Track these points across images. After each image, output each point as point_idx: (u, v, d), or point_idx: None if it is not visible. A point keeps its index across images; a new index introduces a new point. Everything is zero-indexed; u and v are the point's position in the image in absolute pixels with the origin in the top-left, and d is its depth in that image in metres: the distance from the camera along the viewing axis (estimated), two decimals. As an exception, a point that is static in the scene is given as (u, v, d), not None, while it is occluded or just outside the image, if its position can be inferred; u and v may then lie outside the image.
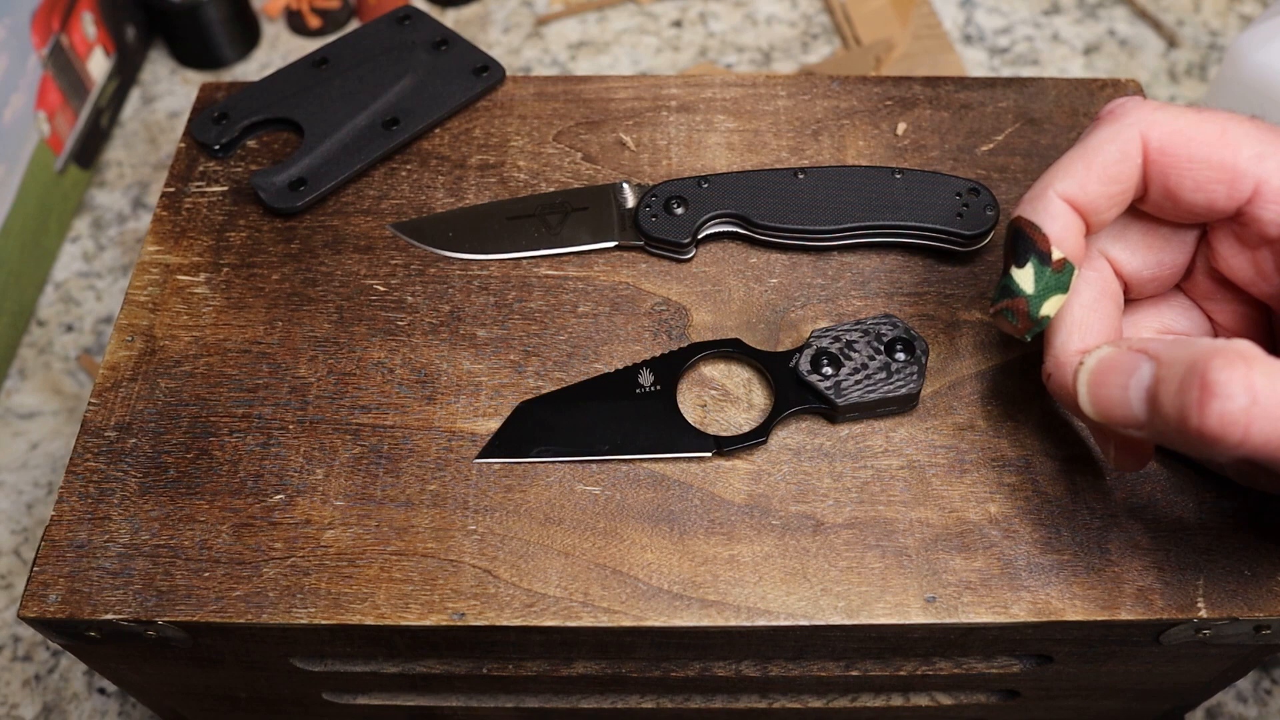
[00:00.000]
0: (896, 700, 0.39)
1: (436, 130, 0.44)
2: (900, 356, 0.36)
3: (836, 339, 0.36)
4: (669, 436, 0.36)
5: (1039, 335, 0.32)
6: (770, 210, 0.40)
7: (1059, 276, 0.30)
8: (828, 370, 0.36)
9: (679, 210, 0.40)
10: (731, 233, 0.41)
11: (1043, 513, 0.34)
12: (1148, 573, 0.33)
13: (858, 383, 0.35)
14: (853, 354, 0.36)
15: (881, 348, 0.36)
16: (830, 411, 0.36)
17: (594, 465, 0.35)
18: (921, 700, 0.39)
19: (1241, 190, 0.29)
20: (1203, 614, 0.32)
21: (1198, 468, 0.35)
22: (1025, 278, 0.31)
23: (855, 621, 0.32)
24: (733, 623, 0.32)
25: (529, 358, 0.38)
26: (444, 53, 0.46)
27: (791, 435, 0.36)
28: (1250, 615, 0.32)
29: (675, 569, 0.33)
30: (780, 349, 0.38)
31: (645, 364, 0.37)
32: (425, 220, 0.41)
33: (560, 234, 0.41)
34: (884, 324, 0.36)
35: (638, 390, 0.36)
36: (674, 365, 0.37)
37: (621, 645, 0.34)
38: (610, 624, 0.32)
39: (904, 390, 0.35)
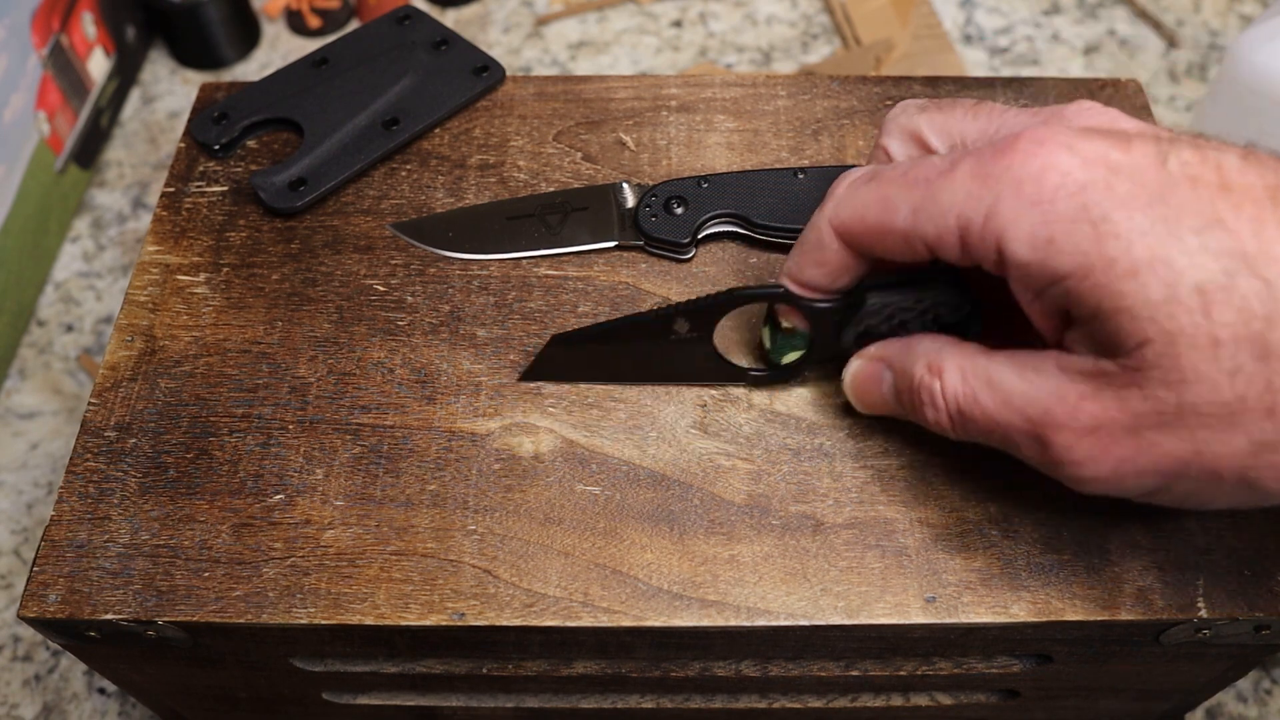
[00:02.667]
0: (896, 700, 0.39)
1: (436, 130, 0.44)
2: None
3: (891, 316, 0.34)
4: (705, 371, 0.37)
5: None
6: (770, 210, 0.40)
7: (791, 338, 0.35)
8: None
9: (679, 210, 0.40)
10: (731, 233, 0.41)
11: (1043, 513, 0.34)
12: (1148, 573, 0.33)
13: None
14: (903, 334, 0.34)
15: (937, 330, 0.34)
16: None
17: (594, 465, 0.35)
18: (921, 700, 0.39)
19: (919, 249, 0.30)
20: (1203, 614, 0.32)
21: None
22: (765, 336, 0.36)
23: (855, 621, 0.32)
24: (733, 623, 0.32)
25: (529, 358, 0.38)
26: (444, 53, 0.46)
27: (792, 435, 0.36)
28: (1250, 615, 0.32)
29: (675, 569, 0.33)
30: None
31: (680, 311, 0.35)
32: (425, 220, 0.41)
33: (560, 234, 0.41)
34: (945, 305, 0.34)
35: (673, 337, 0.36)
36: (711, 314, 0.35)
37: (621, 645, 0.34)
38: (610, 624, 0.32)
39: None
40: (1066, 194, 0.27)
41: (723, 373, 0.37)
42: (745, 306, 0.36)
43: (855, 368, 0.34)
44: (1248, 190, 0.26)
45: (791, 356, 0.36)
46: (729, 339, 0.38)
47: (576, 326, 0.38)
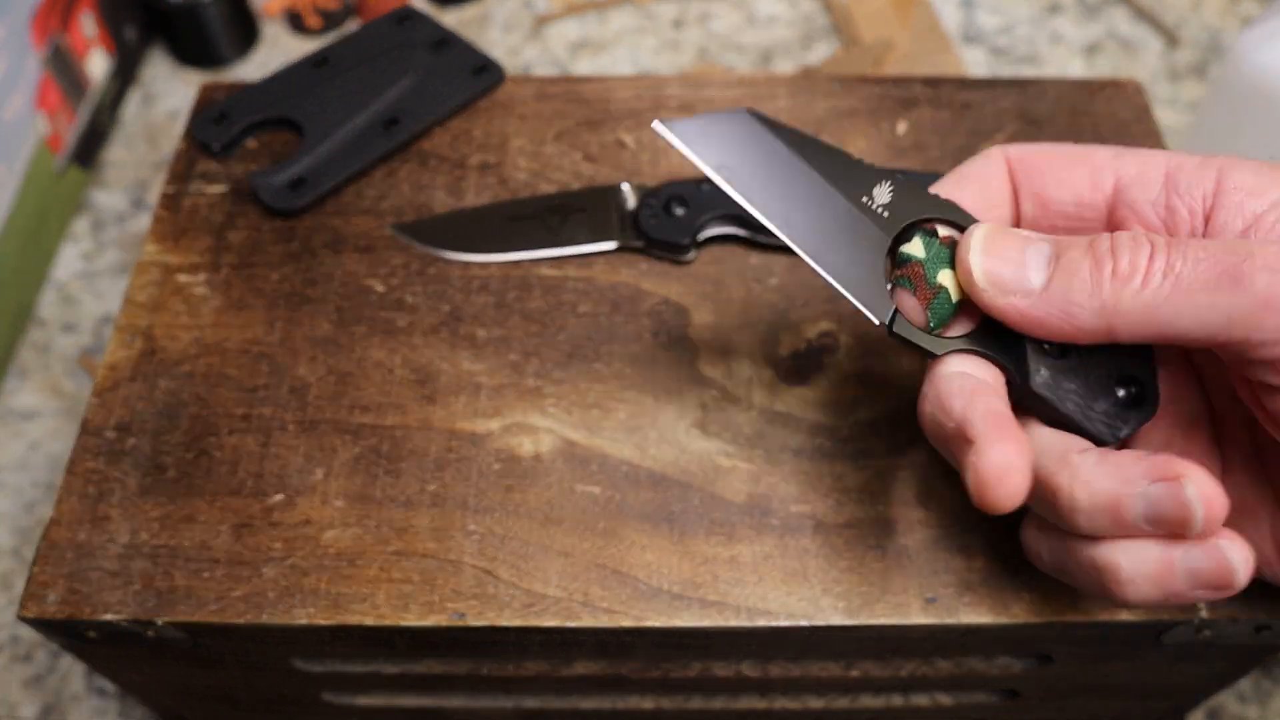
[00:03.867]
0: (896, 700, 0.39)
1: (436, 130, 0.44)
2: (1120, 394, 0.28)
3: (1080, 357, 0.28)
4: (857, 275, 0.29)
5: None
6: None
7: (946, 250, 0.29)
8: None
9: (679, 211, 0.40)
10: (732, 234, 0.41)
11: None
12: (1148, 573, 0.33)
13: (1067, 390, 0.28)
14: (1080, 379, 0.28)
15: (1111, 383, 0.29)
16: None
17: (594, 465, 0.35)
18: (921, 700, 0.39)
19: (1104, 181, 0.29)
20: (1203, 614, 0.32)
21: None
22: (914, 246, 0.29)
23: (855, 622, 0.32)
24: (733, 623, 0.32)
25: (529, 358, 0.38)
26: (444, 53, 0.46)
27: (792, 435, 0.36)
28: (1250, 615, 0.32)
29: (675, 569, 0.33)
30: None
31: (893, 178, 0.30)
32: (425, 221, 0.41)
33: (560, 235, 0.41)
34: (1133, 356, 0.28)
35: (864, 200, 0.30)
36: (921, 201, 0.30)
37: (621, 645, 0.34)
38: (610, 624, 0.32)
39: (1094, 430, 0.28)
40: None
41: (873, 295, 0.29)
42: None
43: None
44: None
45: (946, 274, 0.29)
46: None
47: (576, 326, 0.38)
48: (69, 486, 0.35)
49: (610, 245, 0.40)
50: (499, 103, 0.45)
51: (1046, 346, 0.28)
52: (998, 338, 0.29)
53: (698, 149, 0.30)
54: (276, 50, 0.70)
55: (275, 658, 0.35)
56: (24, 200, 0.56)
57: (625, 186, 0.42)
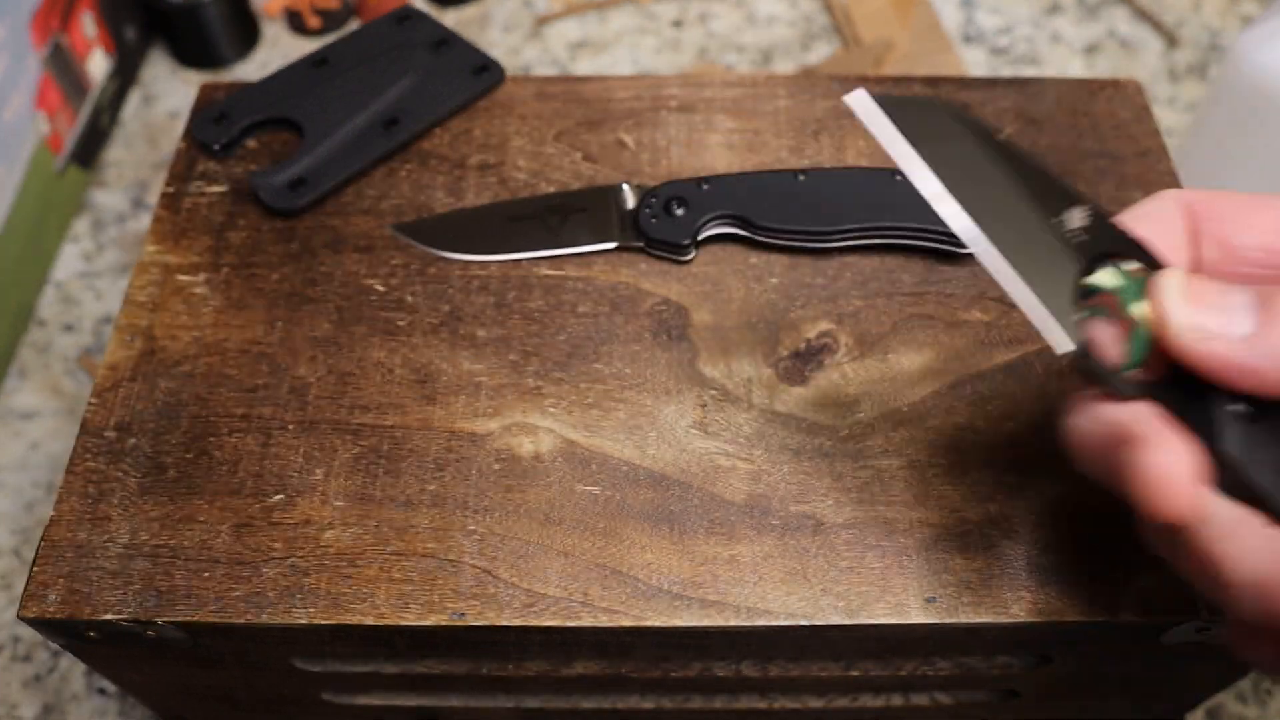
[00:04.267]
0: (896, 700, 0.39)
1: (436, 130, 0.44)
2: None
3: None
4: (1048, 297, 0.27)
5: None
6: (770, 212, 0.40)
7: (1138, 283, 0.27)
8: None
9: (679, 211, 0.40)
10: (732, 234, 0.41)
11: (1043, 513, 0.34)
12: (1148, 573, 0.33)
13: None
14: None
15: None
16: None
17: (594, 465, 0.35)
18: (921, 700, 0.39)
19: None
20: (1203, 614, 0.32)
21: None
22: (1107, 277, 0.27)
23: (855, 621, 0.32)
24: (733, 623, 0.32)
25: (529, 358, 0.38)
26: (444, 53, 0.46)
27: (792, 435, 0.36)
28: (1250, 615, 0.32)
29: (675, 569, 0.33)
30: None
31: (1091, 207, 0.27)
32: (425, 221, 0.41)
33: (560, 235, 0.41)
34: None
35: (1055, 221, 0.27)
36: (1109, 239, 0.27)
37: (621, 645, 0.34)
38: (610, 624, 0.32)
39: None
40: None
41: (1062, 322, 0.27)
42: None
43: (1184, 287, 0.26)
44: None
45: (1141, 306, 0.26)
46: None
47: (576, 326, 0.38)
48: (69, 486, 0.35)
49: (610, 245, 0.40)
50: (499, 103, 0.45)
51: (1241, 409, 0.25)
52: (1184, 392, 0.26)
53: (908, 136, 0.28)
54: (276, 50, 0.70)
55: (275, 658, 0.35)
56: (24, 200, 0.56)
57: (625, 186, 0.42)
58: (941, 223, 0.28)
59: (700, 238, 0.40)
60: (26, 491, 0.53)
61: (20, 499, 0.53)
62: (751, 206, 0.40)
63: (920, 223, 0.39)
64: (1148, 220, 0.28)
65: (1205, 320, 0.25)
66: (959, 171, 0.28)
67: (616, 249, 0.40)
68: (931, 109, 0.29)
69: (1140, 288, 0.27)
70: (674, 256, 0.40)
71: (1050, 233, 0.27)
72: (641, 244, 0.40)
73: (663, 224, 0.40)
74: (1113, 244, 0.27)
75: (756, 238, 0.40)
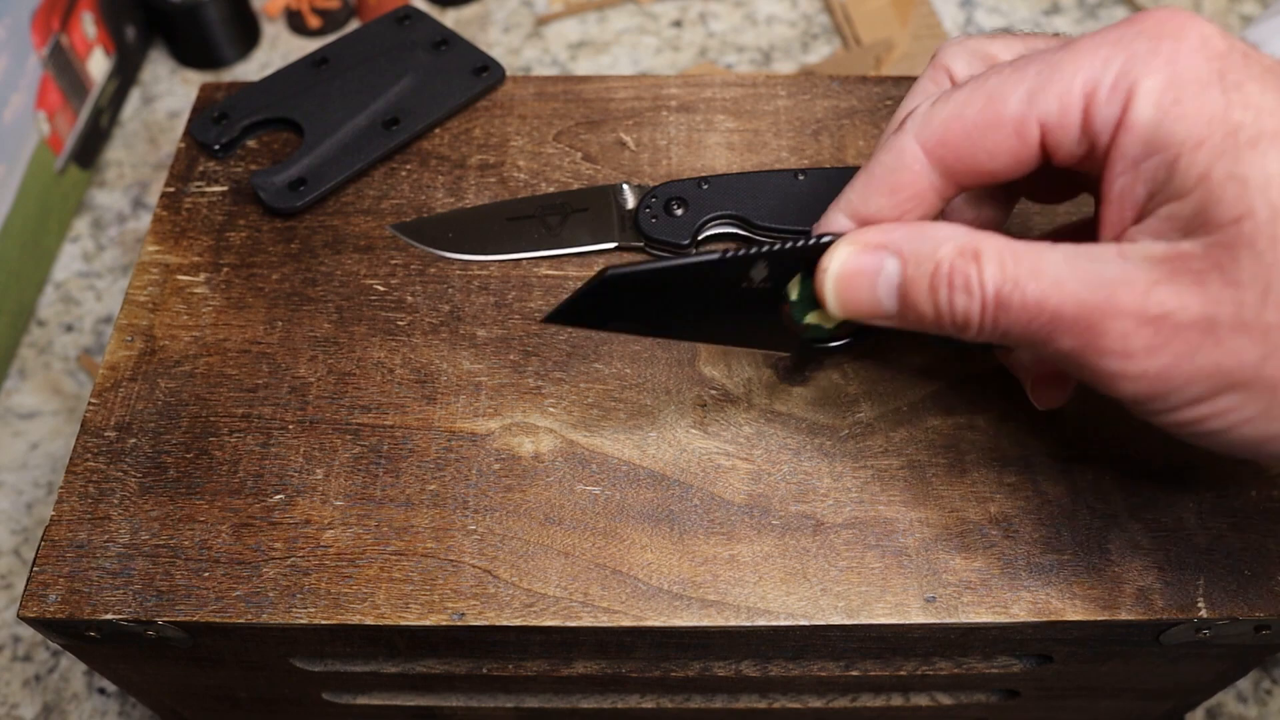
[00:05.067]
0: (896, 700, 0.39)
1: (436, 130, 0.44)
2: None
3: None
4: (759, 333, 0.33)
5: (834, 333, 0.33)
6: (770, 211, 0.40)
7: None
8: None
9: (679, 211, 0.40)
10: (732, 234, 0.41)
11: (1043, 513, 0.34)
12: (1148, 573, 0.33)
13: None
14: None
15: None
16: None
17: (594, 465, 0.35)
18: (921, 700, 0.39)
19: (1030, 137, 0.28)
20: (1203, 614, 0.32)
21: (1199, 465, 0.35)
22: (794, 287, 0.32)
23: (855, 621, 0.32)
24: (733, 623, 0.32)
25: (529, 358, 0.38)
26: (444, 53, 0.46)
27: (792, 435, 0.36)
28: (1250, 615, 0.32)
29: (675, 569, 0.33)
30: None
31: (763, 256, 0.31)
32: (425, 221, 0.41)
33: (560, 235, 0.41)
34: None
35: (744, 284, 0.31)
36: (793, 264, 0.31)
37: (621, 645, 0.34)
38: (610, 624, 0.32)
39: None
40: (1204, 57, 0.26)
41: (780, 337, 0.33)
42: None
43: (844, 257, 0.30)
44: None
45: (814, 318, 0.32)
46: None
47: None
48: (69, 486, 0.35)
49: (610, 245, 0.40)
50: (499, 103, 0.45)
51: None
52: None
53: (590, 323, 0.32)
54: (276, 50, 0.70)
55: (275, 658, 0.35)
56: (24, 200, 0.56)
57: (625, 186, 0.42)
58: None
59: (700, 237, 0.40)
60: (26, 491, 0.53)
61: (20, 499, 0.53)
62: (752, 206, 0.40)
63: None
64: (878, 185, 0.30)
65: (859, 310, 0.30)
66: (652, 309, 0.32)
67: (616, 249, 0.40)
68: (602, 285, 0.31)
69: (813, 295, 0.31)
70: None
71: (747, 294, 0.31)
72: (641, 244, 0.40)
73: (662, 224, 0.40)
74: (798, 267, 0.31)
75: (756, 238, 0.40)
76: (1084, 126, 0.27)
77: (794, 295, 0.32)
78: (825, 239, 0.30)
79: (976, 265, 0.27)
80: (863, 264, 0.29)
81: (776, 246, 0.31)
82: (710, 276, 0.31)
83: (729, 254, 0.30)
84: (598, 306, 0.31)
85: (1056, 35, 0.31)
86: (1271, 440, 0.27)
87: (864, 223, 0.30)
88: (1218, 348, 0.25)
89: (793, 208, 0.39)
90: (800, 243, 0.31)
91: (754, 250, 0.30)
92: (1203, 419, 0.27)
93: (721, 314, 0.32)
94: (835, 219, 0.31)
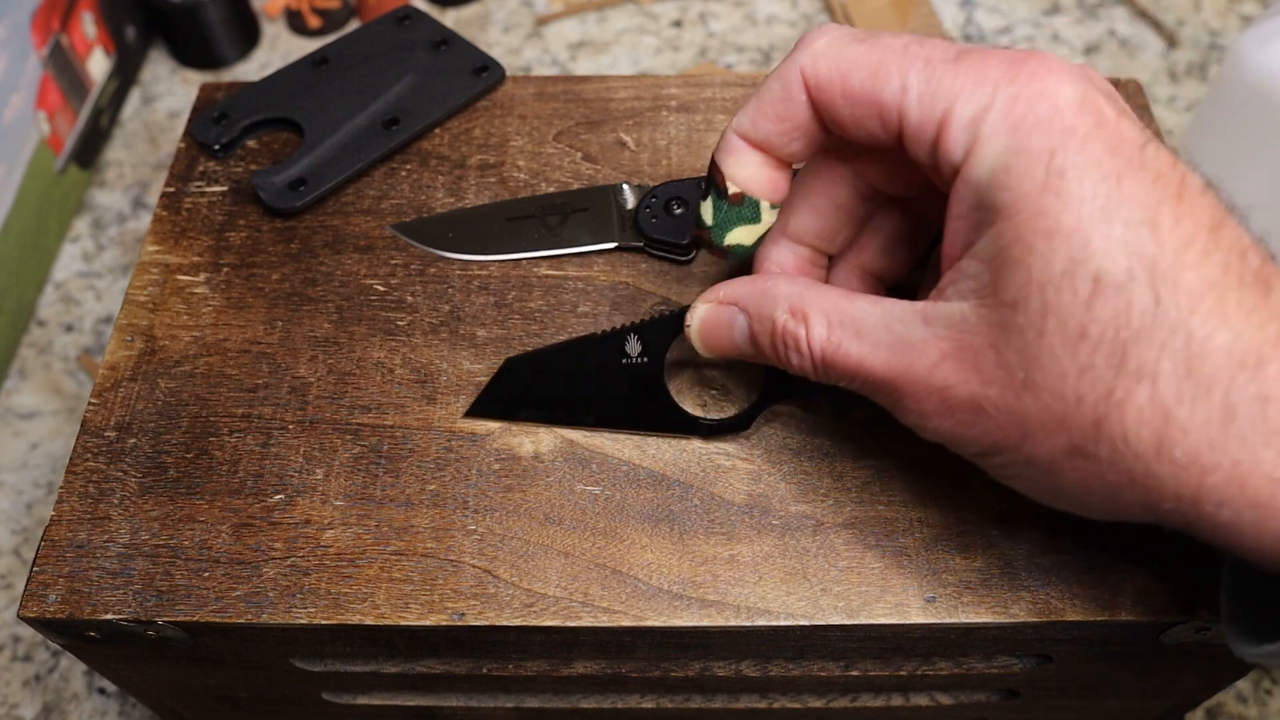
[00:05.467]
0: (896, 700, 0.39)
1: (436, 130, 0.44)
2: None
3: None
4: (653, 414, 0.35)
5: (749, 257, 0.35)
6: None
7: (738, 209, 0.33)
8: None
9: (679, 211, 0.40)
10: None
11: (1043, 512, 0.34)
12: (1148, 573, 0.33)
13: None
14: None
15: None
16: (818, 399, 0.35)
17: (594, 465, 0.35)
18: (921, 700, 0.39)
19: (889, 128, 0.29)
20: (1203, 614, 0.32)
21: None
22: (706, 210, 0.33)
23: (855, 621, 0.32)
24: (733, 623, 0.32)
25: (529, 358, 0.38)
26: (444, 53, 0.46)
27: (792, 435, 0.36)
28: (1250, 615, 0.32)
29: (675, 569, 0.33)
30: None
31: (634, 329, 0.35)
32: (425, 221, 0.41)
33: (560, 235, 0.41)
34: None
35: (624, 360, 0.35)
36: (664, 335, 0.35)
37: (621, 645, 0.34)
38: (610, 624, 0.32)
39: None
40: (1047, 131, 0.26)
41: (670, 416, 0.36)
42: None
43: (703, 312, 0.33)
44: (1196, 209, 0.26)
45: (739, 235, 0.33)
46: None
47: (576, 326, 0.38)
48: (69, 486, 0.35)
49: (610, 245, 0.40)
50: (499, 103, 0.45)
51: None
52: None
53: (506, 413, 0.36)
54: (276, 50, 0.70)
55: (275, 657, 0.35)
56: (24, 200, 0.56)
57: (625, 186, 0.42)
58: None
59: (700, 238, 0.40)
60: (26, 491, 0.53)
61: (20, 499, 0.53)
62: (751, 206, 0.40)
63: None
64: (767, 112, 0.31)
65: (723, 351, 0.33)
66: (548, 395, 0.36)
67: (617, 249, 0.40)
68: (501, 380, 0.36)
69: (738, 211, 0.33)
70: (675, 256, 0.40)
71: (627, 369, 0.35)
72: (642, 244, 0.40)
73: (663, 223, 0.40)
74: (671, 333, 0.35)
75: (756, 237, 0.40)
76: (932, 149, 0.28)
77: (710, 220, 0.33)
78: (682, 310, 0.34)
79: (805, 326, 0.30)
80: (719, 317, 0.33)
81: (642, 320, 0.35)
82: (593, 351, 0.36)
83: (606, 332, 0.36)
84: (508, 394, 0.36)
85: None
86: (1031, 491, 0.29)
87: (755, 145, 0.32)
88: (987, 422, 0.28)
89: None
90: (660, 315, 0.35)
91: (626, 327, 0.35)
92: (993, 470, 0.30)
93: (618, 397, 0.36)
94: (730, 140, 0.32)
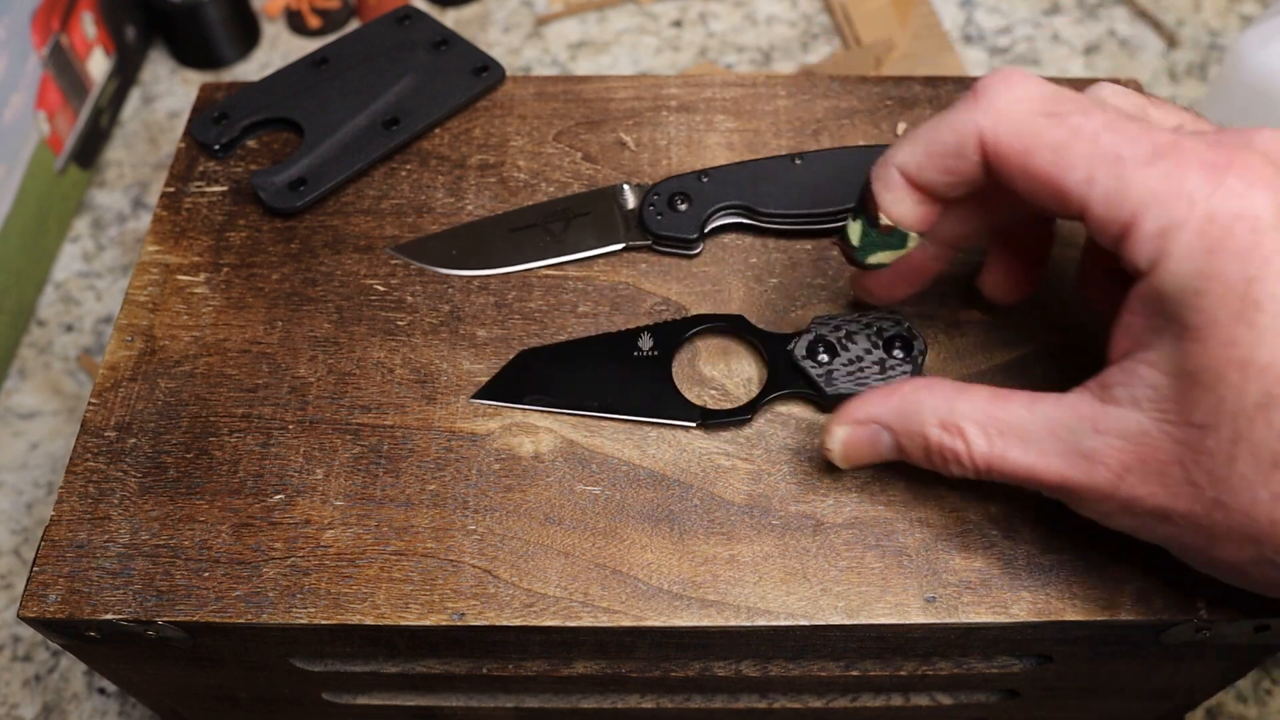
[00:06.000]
0: (896, 700, 0.39)
1: (436, 130, 0.44)
2: (897, 354, 0.36)
3: (838, 328, 0.36)
4: (658, 402, 0.36)
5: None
6: (772, 197, 0.40)
7: (886, 238, 0.33)
8: (823, 358, 0.36)
9: (683, 206, 0.40)
10: (738, 224, 0.41)
11: (1043, 513, 0.34)
12: (1148, 573, 0.33)
13: (850, 374, 0.35)
14: (850, 345, 0.36)
15: (880, 342, 0.36)
16: (819, 399, 0.36)
17: (594, 465, 0.35)
18: (921, 700, 0.39)
19: (1071, 208, 0.28)
20: (1203, 614, 0.32)
21: None
22: (854, 231, 0.34)
23: (855, 621, 0.32)
24: (733, 623, 0.32)
25: (529, 358, 0.38)
26: (444, 53, 0.46)
27: (792, 435, 0.36)
28: (1250, 615, 0.32)
29: (675, 569, 0.33)
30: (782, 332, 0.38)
31: (647, 329, 0.38)
32: (428, 240, 0.41)
33: (565, 241, 0.40)
34: (887, 319, 0.36)
35: (635, 353, 0.37)
36: (674, 334, 0.37)
37: (621, 645, 0.34)
38: (610, 624, 0.32)
39: None
40: (1245, 261, 0.25)
41: (674, 402, 0.36)
42: (706, 340, 0.37)
43: (844, 435, 0.33)
44: None
45: (881, 257, 0.33)
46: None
47: (576, 326, 0.38)
48: (69, 486, 0.35)
49: (617, 246, 0.40)
50: (499, 103, 0.45)
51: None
52: None
53: (514, 396, 0.37)
54: (276, 50, 0.70)
55: (275, 657, 0.35)
56: (24, 200, 0.56)
57: (625, 187, 0.42)
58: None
59: (708, 230, 0.40)
60: (26, 491, 0.53)
61: (20, 499, 0.53)
62: (753, 195, 0.40)
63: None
64: (935, 156, 0.30)
65: (870, 463, 0.33)
66: (562, 382, 0.37)
67: (624, 249, 0.40)
68: (514, 365, 0.37)
69: (884, 239, 0.33)
70: (682, 251, 0.40)
71: (640, 362, 0.37)
72: (649, 242, 0.40)
73: (668, 220, 0.40)
74: (685, 335, 0.38)
75: (762, 225, 0.40)
76: (1116, 244, 0.28)
77: (856, 241, 0.34)
78: (704, 323, 0.38)
79: (963, 440, 0.30)
80: (860, 437, 0.32)
81: (658, 323, 0.38)
82: (606, 347, 0.37)
83: (620, 331, 0.38)
84: (518, 380, 0.37)
85: (1189, 110, 0.31)
86: (1233, 581, 0.30)
87: (914, 186, 0.31)
88: (1173, 528, 0.29)
89: (793, 192, 0.40)
90: (676, 320, 0.38)
91: (639, 327, 0.38)
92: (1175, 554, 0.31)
93: (623, 385, 0.37)
94: (891, 176, 0.32)
